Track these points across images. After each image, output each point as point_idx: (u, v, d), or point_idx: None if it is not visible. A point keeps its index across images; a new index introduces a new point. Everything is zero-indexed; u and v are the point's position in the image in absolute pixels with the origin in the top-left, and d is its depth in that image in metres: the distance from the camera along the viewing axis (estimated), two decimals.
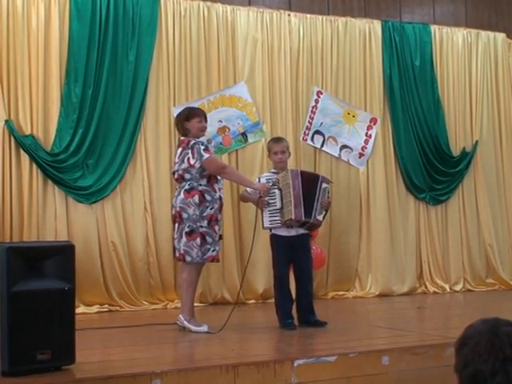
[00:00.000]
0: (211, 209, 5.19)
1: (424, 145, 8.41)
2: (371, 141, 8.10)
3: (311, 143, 7.84)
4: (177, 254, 5.26)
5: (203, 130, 5.44)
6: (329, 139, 7.94)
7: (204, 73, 7.39)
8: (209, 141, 5.61)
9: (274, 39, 7.72)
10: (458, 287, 8.39)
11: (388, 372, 4.17)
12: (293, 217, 5.28)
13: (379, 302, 7.52)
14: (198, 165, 5.17)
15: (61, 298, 3.65)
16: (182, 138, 5.37)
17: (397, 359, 4.20)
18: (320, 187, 5.45)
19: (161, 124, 7.15)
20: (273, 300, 5.78)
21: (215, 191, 5.24)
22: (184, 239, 5.16)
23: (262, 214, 5.43)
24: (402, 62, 8.32)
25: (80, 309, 6.34)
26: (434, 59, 8.57)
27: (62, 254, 3.72)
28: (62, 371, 3.64)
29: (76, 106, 6.77)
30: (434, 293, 8.17)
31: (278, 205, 5.35)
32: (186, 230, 5.15)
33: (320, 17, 8.02)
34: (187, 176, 5.21)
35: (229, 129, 7.47)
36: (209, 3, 7.47)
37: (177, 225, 5.22)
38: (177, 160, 5.29)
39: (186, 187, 5.20)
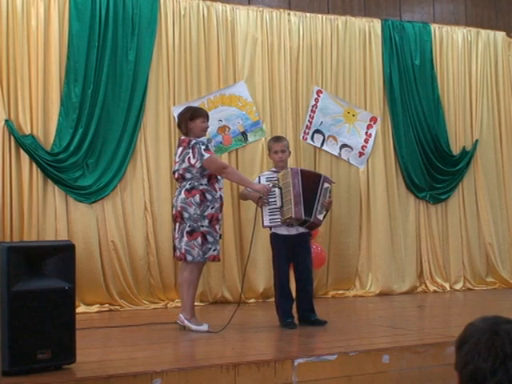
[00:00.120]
0: (212, 208, 5.20)
1: (424, 144, 8.41)
2: (371, 140, 8.10)
3: (311, 142, 7.84)
4: (178, 254, 5.26)
5: (205, 130, 5.48)
6: (329, 138, 7.94)
7: (204, 72, 7.39)
8: (209, 140, 5.60)
9: (273, 38, 7.72)
10: (458, 286, 8.39)
11: (388, 371, 4.17)
12: (293, 215, 5.28)
13: (379, 300, 7.52)
14: (198, 164, 5.18)
15: (61, 297, 3.65)
16: (183, 137, 5.37)
17: (397, 358, 4.20)
18: (322, 187, 5.45)
19: (161, 123, 7.16)
20: (273, 299, 5.78)
21: (216, 190, 5.25)
22: (185, 238, 5.16)
23: (262, 213, 5.43)
24: (401, 61, 8.32)
25: (80, 308, 6.36)
26: (434, 58, 8.57)
27: (63, 254, 3.73)
28: (62, 370, 3.64)
29: (76, 106, 6.77)
30: (434, 292, 8.18)
31: (278, 203, 5.35)
32: (187, 229, 5.15)
33: (320, 16, 8.02)
34: (188, 175, 5.21)
35: (229, 128, 7.47)
36: (208, 2, 7.47)
37: (177, 224, 5.22)
38: (177, 159, 5.29)
39: (187, 187, 5.20)
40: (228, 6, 7.57)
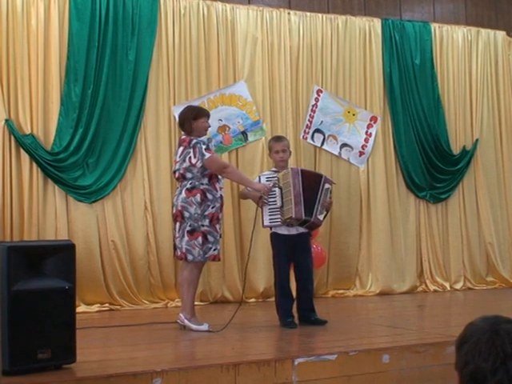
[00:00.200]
0: (213, 208, 5.20)
1: (424, 143, 8.41)
2: (371, 139, 8.10)
3: (311, 142, 7.84)
4: (178, 253, 5.26)
5: (207, 129, 5.50)
6: (329, 138, 7.94)
7: (204, 71, 7.38)
8: (209, 140, 5.61)
9: (273, 38, 7.72)
10: (459, 285, 8.39)
11: (388, 370, 4.17)
12: (293, 215, 5.28)
13: (379, 300, 7.52)
14: (199, 164, 5.18)
15: (61, 297, 3.65)
16: (183, 136, 5.37)
17: (397, 357, 4.20)
18: (323, 187, 5.44)
19: (161, 123, 7.16)
20: (273, 299, 5.78)
21: (216, 190, 5.25)
22: (186, 238, 5.15)
23: (262, 213, 5.42)
24: (402, 61, 8.32)
25: (80, 308, 6.36)
26: (434, 57, 8.57)
27: (63, 253, 3.72)
28: (62, 370, 3.64)
29: (76, 106, 6.77)
30: (435, 291, 8.18)
31: (279, 203, 5.34)
32: (188, 228, 5.15)
33: (320, 15, 8.02)
34: (189, 175, 5.21)
35: (229, 127, 7.47)
36: (208, 2, 7.47)
37: (178, 224, 5.22)
38: (178, 159, 5.29)
39: (188, 186, 5.20)
40: (228, 6, 7.57)
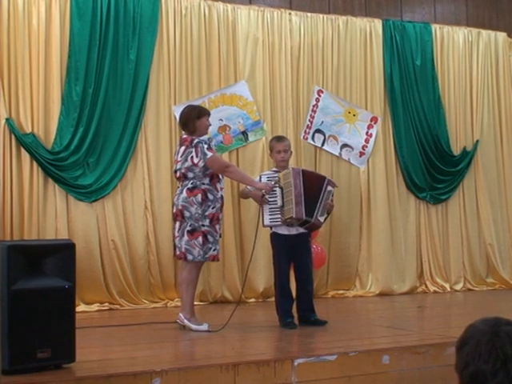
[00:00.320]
0: (213, 208, 5.20)
1: (425, 144, 8.41)
2: (372, 140, 8.10)
3: (312, 142, 7.84)
4: (178, 253, 5.25)
5: (208, 128, 5.50)
6: (329, 138, 7.94)
7: (205, 71, 7.38)
8: (210, 139, 5.61)
9: (274, 38, 7.72)
10: (459, 286, 8.39)
11: (388, 371, 4.17)
12: (294, 215, 5.27)
13: (379, 301, 7.52)
14: (201, 164, 5.17)
15: (61, 296, 3.65)
16: (185, 136, 5.36)
17: (397, 358, 4.20)
18: (325, 189, 5.43)
19: (161, 122, 7.16)
20: (273, 299, 5.78)
21: (217, 190, 5.25)
22: (186, 238, 5.15)
23: (262, 212, 5.41)
24: (402, 61, 8.32)
25: (80, 307, 6.35)
26: (435, 58, 8.57)
27: (63, 253, 3.72)
28: (62, 369, 3.64)
29: (77, 105, 6.77)
30: (435, 292, 8.18)
31: (279, 203, 5.34)
32: (188, 228, 5.15)
33: (321, 15, 8.02)
34: (190, 175, 5.21)
35: (229, 127, 7.47)
36: (209, 2, 7.47)
37: (178, 223, 5.21)
38: (179, 158, 5.28)
39: (189, 186, 5.20)
40: (229, 6, 7.57)
